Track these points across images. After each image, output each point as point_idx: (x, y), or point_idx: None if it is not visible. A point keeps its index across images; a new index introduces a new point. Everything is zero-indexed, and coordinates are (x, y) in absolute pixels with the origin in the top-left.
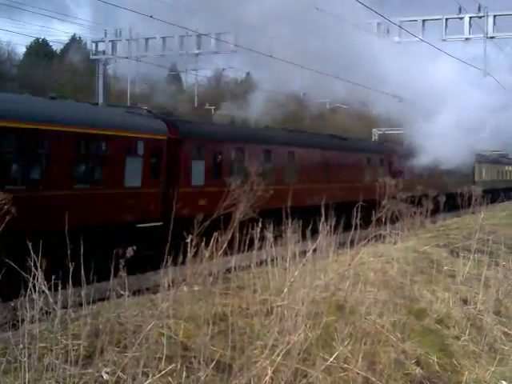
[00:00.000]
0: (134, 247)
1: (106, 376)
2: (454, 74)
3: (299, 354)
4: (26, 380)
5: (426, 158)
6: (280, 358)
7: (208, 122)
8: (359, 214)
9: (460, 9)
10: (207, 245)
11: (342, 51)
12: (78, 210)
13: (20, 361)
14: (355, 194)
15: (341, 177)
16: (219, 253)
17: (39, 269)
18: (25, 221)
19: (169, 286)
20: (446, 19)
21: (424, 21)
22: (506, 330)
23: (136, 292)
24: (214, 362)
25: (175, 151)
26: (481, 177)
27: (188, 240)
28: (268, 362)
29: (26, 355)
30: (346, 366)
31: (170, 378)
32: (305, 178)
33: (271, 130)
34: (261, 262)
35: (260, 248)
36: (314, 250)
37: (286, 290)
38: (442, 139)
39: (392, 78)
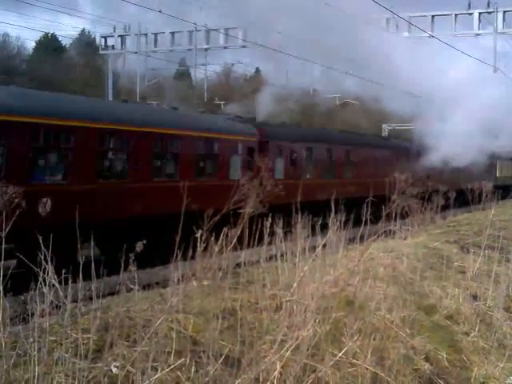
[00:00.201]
0: (144, 241)
1: (115, 370)
2: (464, 70)
3: (308, 349)
4: (36, 373)
5: (452, 156)
6: (289, 353)
7: (284, 125)
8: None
9: (469, 4)
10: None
11: (353, 46)
12: (199, 198)
13: (30, 354)
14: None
15: (385, 171)
16: (229, 248)
17: (49, 262)
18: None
19: (178, 280)
20: (456, 15)
21: (433, 16)
22: None
23: (146, 286)
24: (223, 357)
25: (262, 150)
26: (501, 173)
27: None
28: (277, 356)
29: (36, 349)
30: (354, 361)
31: (178, 373)
32: (358, 172)
33: (331, 132)
34: (270, 257)
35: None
36: (324, 245)
37: (295, 285)
38: (467, 137)
39: (404, 74)
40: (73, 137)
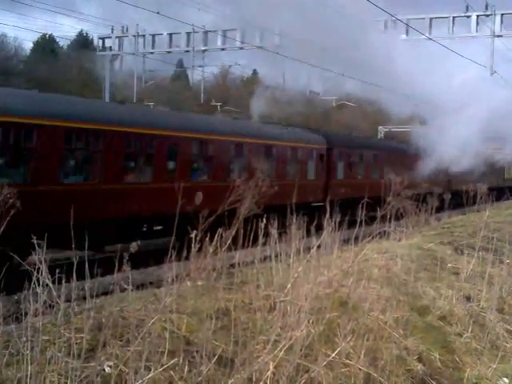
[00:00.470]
0: (139, 242)
1: (108, 369)
2: (463, 72)
3: (301, 349)
4: (29, 373)
5: (467, 160)
6: (282, 353)
7: (341, 134)
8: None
9: (467, 7)
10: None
11: (351, 47)
12: (284, 195)
13: (23, 353)
14: None
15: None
16: (223, 247)
17: (43, 262)
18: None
19: (172, 280)
20: (454, 17)
21: (431, 19)
22: (508, 327)
23: (139, 286)
24: (217, 357)
25: (329, 156)
26: (510, 174)
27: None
28: (270, 357)
29: (29, 348)
30: (348, 361)
31: (172, 372)
32: (395, 172)
33: (377, 139)
34: (265, 258)
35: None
36: (319, 247)
37: (289, 285)
38: (478, 142)
39: (402, 76)
40: (212, 148)
